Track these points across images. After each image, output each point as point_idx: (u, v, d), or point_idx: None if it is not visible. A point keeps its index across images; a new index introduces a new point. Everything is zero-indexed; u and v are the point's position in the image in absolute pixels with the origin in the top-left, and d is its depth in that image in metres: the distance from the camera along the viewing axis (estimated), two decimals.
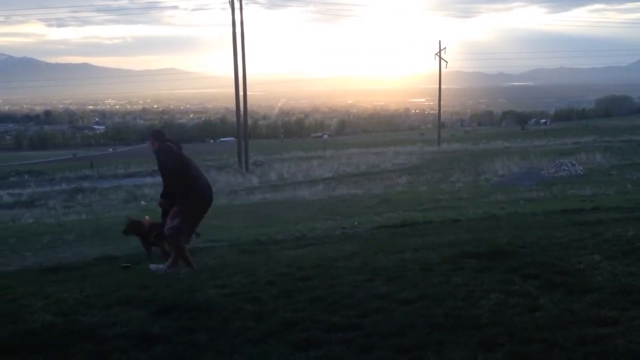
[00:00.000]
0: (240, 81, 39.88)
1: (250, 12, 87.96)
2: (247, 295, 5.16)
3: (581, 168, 23.43)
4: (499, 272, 5.44)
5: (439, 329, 3.98)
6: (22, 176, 42.42)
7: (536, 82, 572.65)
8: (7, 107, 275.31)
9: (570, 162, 24.15)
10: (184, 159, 6.92)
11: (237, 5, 39.70)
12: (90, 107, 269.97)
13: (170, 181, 6.84)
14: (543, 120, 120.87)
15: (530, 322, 4.04)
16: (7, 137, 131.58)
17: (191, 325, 4.34)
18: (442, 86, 63.09)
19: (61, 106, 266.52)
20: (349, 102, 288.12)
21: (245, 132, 42.06)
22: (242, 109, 40.54)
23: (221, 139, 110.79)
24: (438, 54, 62.39)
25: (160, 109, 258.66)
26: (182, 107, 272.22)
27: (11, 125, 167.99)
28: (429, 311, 4.38)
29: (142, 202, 24.73)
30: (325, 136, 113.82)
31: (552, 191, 17.06)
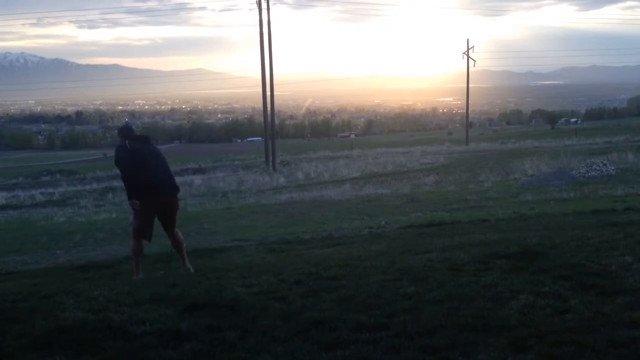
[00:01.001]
0: (267, 81, 40.05)
1: (278, 12, 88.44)
2: (275, 294, 5.18)
3: (613, 168, 22.99)
4: (529, 273, 5.38)
5: (468, 329, 3.94)
6: (54, 175, 43.25)
7: (566, 80, 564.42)
8: (39, 108, 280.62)
9: (601, 162, 23.71)
10: (136, 156, 6.70)
11: (264, 5, 39.88)
12: (120, 107, 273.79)
13: (125, 176, 6.74)
14: (573, 120, 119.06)
15: (560, 324, 3.98)
16: (40, 137, 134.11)
17: (219, 323, 4.37)
18: (470, 85, 62.52)
19: (92, 107, 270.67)
20: (375, 101, 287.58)
21: (273, 131, 42.22)
22: (269, 108, 40.71)
23: (248, 139, 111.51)
24: (466, 52, 61.85)
25: (189, 109, 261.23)
26: (210, 107, 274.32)
27: (43, 125, 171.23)
28: (458, 311, 4.35)
29: None
30: (352, 136, 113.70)
31: (583, 191, 16.80)
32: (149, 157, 6.84)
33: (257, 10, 39.81)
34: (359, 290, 5.15)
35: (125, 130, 7.02)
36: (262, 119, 42.64)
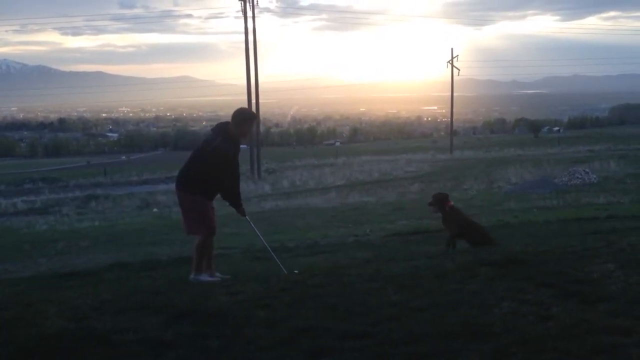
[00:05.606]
0: (252, 89, 40.07)
1: (264, 21, 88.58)
2: (260, 302, 5.17)
3: (595, 176, 23.25)
4: (513, 281, 5.41)
5: (453, 336, 3.96)
6: (37, 183, 42.83)
7: (550, 89, 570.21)
8: (21, 115, 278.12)
9: (584, 170, 23.97)
10: None
11: (249, 13, 39.96)
12: (104, 114, 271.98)
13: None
14: (556, 128, 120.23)
15: (543, 331, 4.01)
16: (22, 144, 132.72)
17: (204, 331, 4.36)
18: (455, 94, 62.99)
19: (75, 114, 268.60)
20: (361, 109, 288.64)
21: (258, 139, 42.19)
22: None
23: None
24: (450, 61, 62.34)
25: (173, 116, 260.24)
26: (194, 115, 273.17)
27: (26, 132, 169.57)
28: (443, 319, 4.37)
29: (155, 210, 24.84)
30: (338, 144, 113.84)
31: (565, 199, 16.96)
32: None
33: (242, 19, 39.87)
34: (344, 298, 5.15)
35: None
36: None
